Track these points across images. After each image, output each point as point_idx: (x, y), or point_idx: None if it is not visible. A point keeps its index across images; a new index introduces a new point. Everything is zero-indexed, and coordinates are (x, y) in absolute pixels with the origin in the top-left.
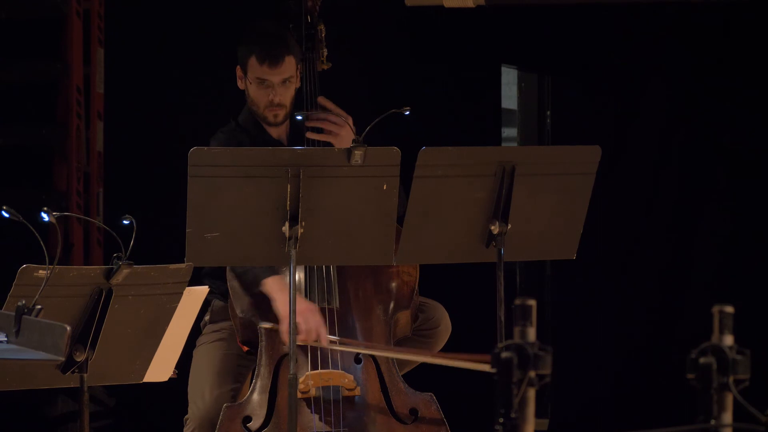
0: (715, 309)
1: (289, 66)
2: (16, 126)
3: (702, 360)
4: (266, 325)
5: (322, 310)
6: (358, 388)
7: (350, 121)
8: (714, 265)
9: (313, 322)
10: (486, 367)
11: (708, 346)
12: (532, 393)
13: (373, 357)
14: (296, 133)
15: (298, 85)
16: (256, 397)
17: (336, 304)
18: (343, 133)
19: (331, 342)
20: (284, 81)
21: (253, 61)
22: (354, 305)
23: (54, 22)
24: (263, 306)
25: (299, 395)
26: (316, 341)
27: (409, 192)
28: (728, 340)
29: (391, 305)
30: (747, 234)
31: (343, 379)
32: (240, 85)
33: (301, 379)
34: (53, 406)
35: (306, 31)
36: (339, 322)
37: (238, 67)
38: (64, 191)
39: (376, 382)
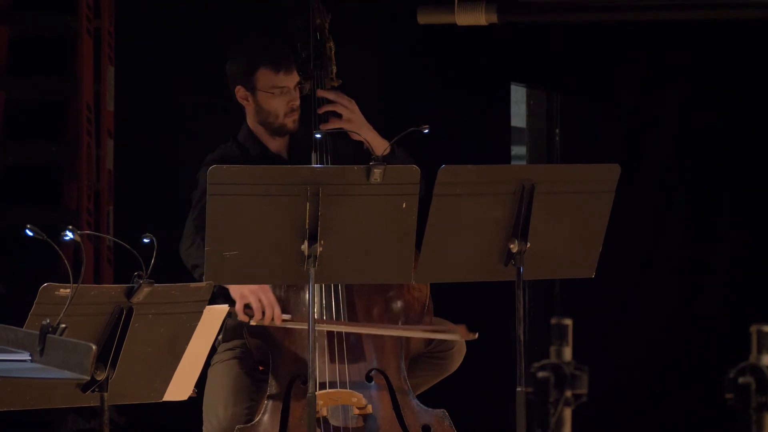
0: (753, 328)
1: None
2: (26, 144)
3: (740, 380)
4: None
5: (330, 332)
6: (369, 406)
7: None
8: (729, 277)
9: (266, 299)
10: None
11: (746, 365)
12: (568, 413)
13: (385, 376)
14: (296, 146)
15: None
16: (268, 419)
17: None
18: (356, 115)
19: (284, 321)
20: (296, 86)
21: (265, 72)
22: (363, 323)
23: (64, 41)
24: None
25: None
26: (272, 321)
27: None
28: (766, 359)
29: (402, 322)
30: (762, 245)
31: (351, 398)
32: (246, 103)
33: None
34: (63, 424)
35: (314, 50)
36: (347, 342)
37: (239, 87)
38: (74, 209)
39: (388, 399)
